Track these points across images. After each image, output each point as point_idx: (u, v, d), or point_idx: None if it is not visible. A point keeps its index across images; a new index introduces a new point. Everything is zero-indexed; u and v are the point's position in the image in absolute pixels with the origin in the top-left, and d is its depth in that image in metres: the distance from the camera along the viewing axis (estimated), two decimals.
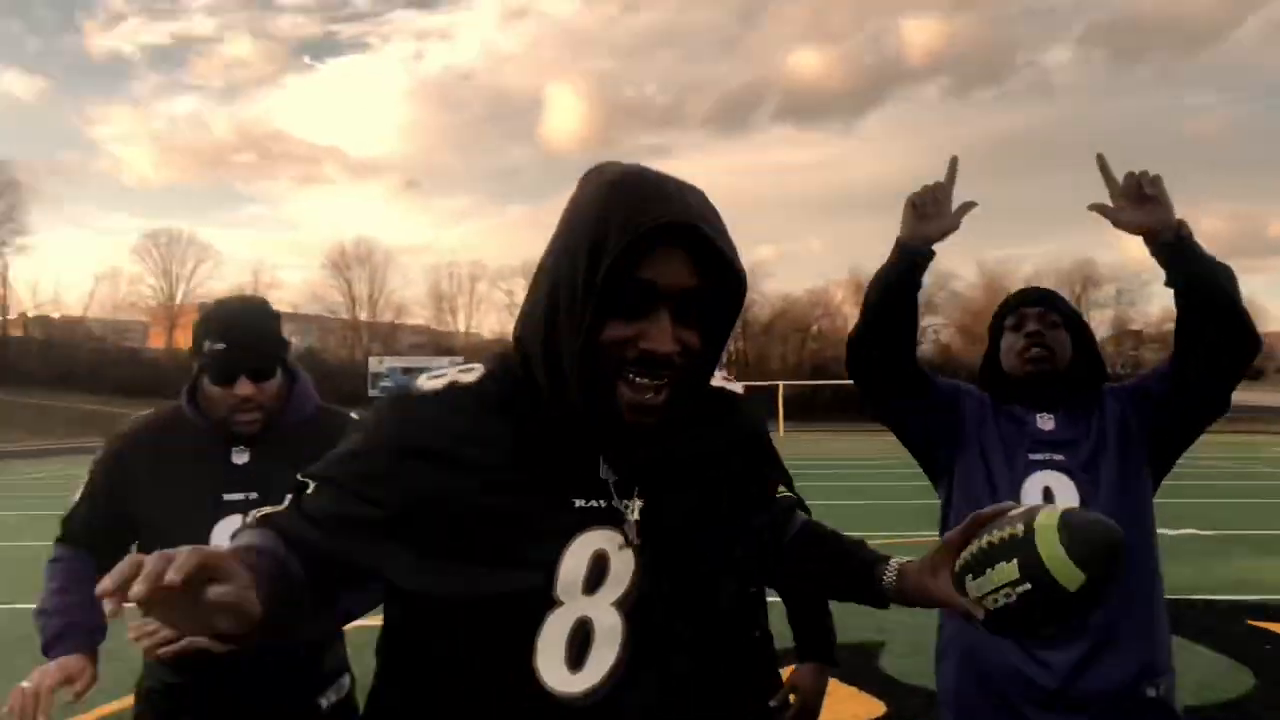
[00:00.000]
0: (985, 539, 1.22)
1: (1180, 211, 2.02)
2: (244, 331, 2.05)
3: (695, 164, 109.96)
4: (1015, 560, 1.17)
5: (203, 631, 0.91)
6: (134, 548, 2.09)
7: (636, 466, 1.17)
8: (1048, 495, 2.16)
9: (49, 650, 1.99)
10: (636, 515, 1.16)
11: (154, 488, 2.05)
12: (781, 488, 1.46)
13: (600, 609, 1.13)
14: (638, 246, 1.05)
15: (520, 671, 1.11)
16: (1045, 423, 2.23)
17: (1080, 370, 2.28)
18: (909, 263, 2.14)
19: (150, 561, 0.85)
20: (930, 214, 2.12)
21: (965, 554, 1.23)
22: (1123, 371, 59.25)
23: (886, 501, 13.46)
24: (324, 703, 2.14)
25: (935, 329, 68.31)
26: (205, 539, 1.99)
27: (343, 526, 1.13)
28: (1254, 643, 6.24)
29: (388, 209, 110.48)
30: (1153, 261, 2.09)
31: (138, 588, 0.83)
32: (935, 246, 2.15)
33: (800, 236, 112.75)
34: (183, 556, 0.86)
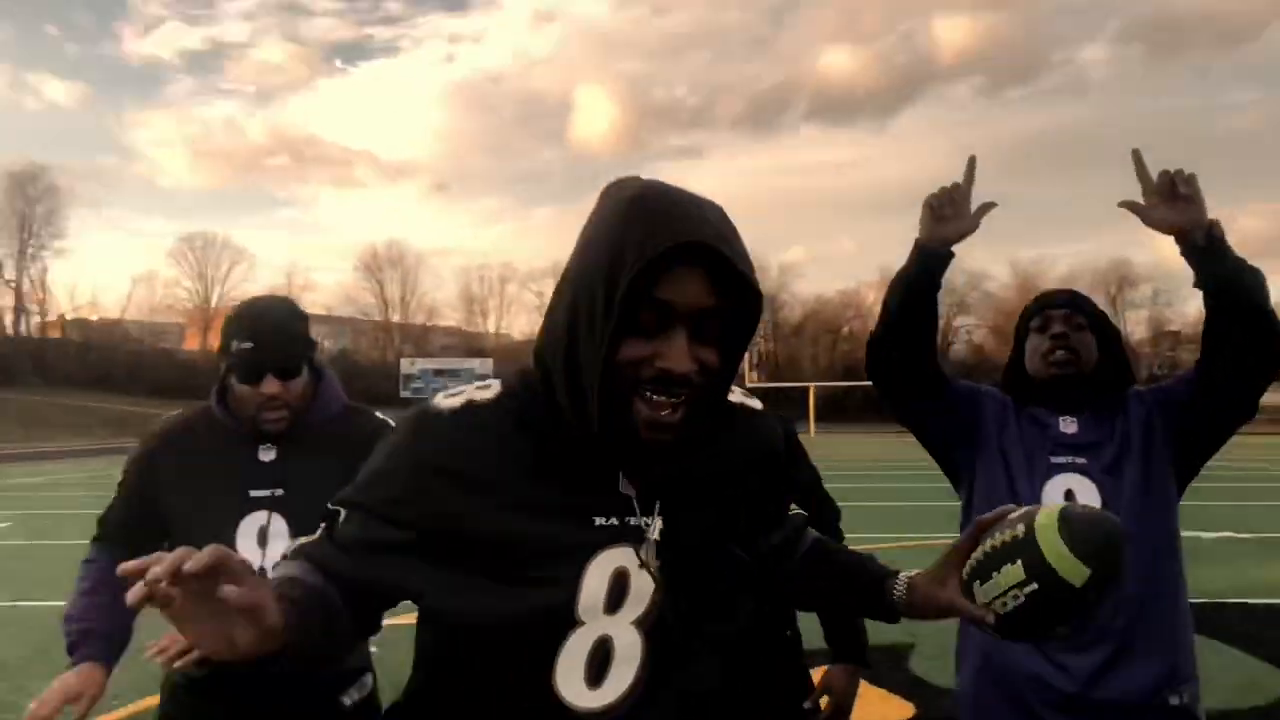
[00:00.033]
0: (988, 543, 1.22)
1: (1218, 210, 1.98)
2: (271, 331, 2.07)
3: (725, 165, 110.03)
4: (1020, 561, 1.18)
5: (221, 642, 0.91)
6: (166, 545, 2.12)
7: (655, 483, 1.17)
8: (1069, 498, 2.13)
9: (70, 654, 2.03)
10: (657, 534, 1.16)
11: (183, 485, 2.08)
12: (794, 506, 1.46)
13: (620, 627, 1.14)
14: (655, 266, 1.04)
15: (539, 688, 1.12)
16: (1068, 425, 2.21)
17: (1106, 373, 2.25)
18: (927, 265, 2.12)
19: (173, 555, 0.87)
20: (948, 215, 2.10)
21: (970, 560, 1.24)
22: (1159, 373, 58.64)
23: (918, 503, 13.35)
24: (347, 700, 2.16)
25: (968, 329, 67.95)
26: (232, 533, 2.03)
27: (372, 552, 1.14)
28: None
29: (419, 211, 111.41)
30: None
31: (156, 569, 0.85)
32: (957, 247, 2.13)
33: (831, 237, 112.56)
34: (202, 551, 0.88)
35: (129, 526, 2.14)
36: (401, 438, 1.18)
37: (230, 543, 2.01)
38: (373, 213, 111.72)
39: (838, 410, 52.95)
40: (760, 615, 1.42)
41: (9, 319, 66.02)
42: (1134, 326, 67.54)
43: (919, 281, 2.13)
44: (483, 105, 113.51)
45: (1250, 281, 2.00)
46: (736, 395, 1.34)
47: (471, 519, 1.12)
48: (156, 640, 1.84)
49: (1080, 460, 2.16)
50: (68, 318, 69.56)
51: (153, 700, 4.02)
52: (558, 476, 1.15)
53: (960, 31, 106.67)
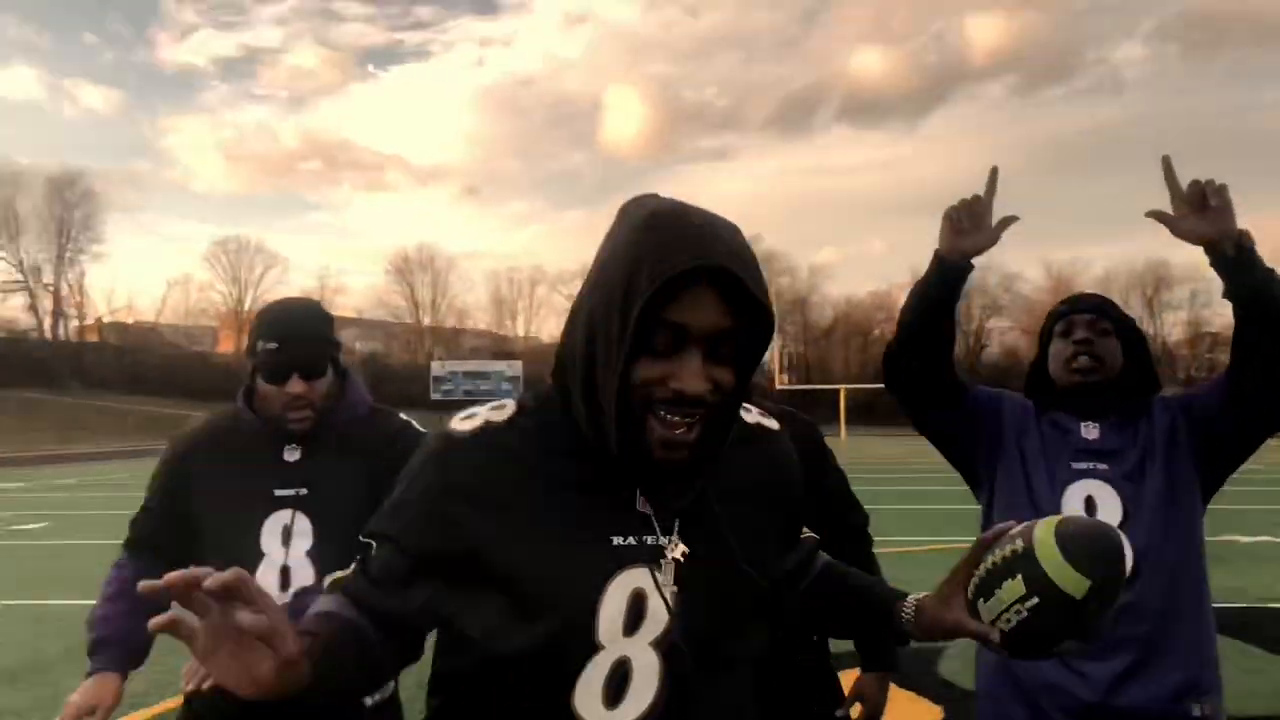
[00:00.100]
0: (989, 560, 1.23)
1: (1258, 212, 1.96)
2: (296, 331, 2.10)
3: (755, 167, 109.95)
4: (1020, 576, 1.18)
5: (243, 674, 0.92)
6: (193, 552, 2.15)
7: (672, 502, 1.17)
8: (1089, 505, 2.11)
9: (89, 658, 2.08)
10: (677, 554, 1.16)
11: (210, 486, 2.11)
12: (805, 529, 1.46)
13: (638, 648, 1.14)
14: (669, 288, 1.05)
15: (558, 710, 1.12)
16: (1090, 431, 2.17)
17: (1131, 379, 2.22)
18: (946, 277, 2.10)
19: (194, 570, 0.89)
20: (966, 228, 2.08)
21: (973, 579, 1.24)
22: (1196, 375, 57.98)
23: (950, 507, 13.25)
24: (368, 701, 2.17)
25: (1001, 331, 67.39)
26: (257, 532, 2.06)
27: (403, 583, 1.15)
28: None
29: (449, 215, 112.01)
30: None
31: (174, 575, 0.87)
32: (985, 254, 2.11)
33: (862, 238, 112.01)
34: (226, 573, 0.89)
35: (158, 533, 2.18)
36: (422, 465, 1.19)
37: (255, 540, 2.05)
38: (404, 216, 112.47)
39: (869, 412, 52.62)
40: (778, 633, 1.42)
41: (47, 323, 67.16)
42: (1171, 328, 66.90)
43: (937, 293, 2.12)
44: (513, 108, 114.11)
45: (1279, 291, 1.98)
46: (754, 415, 1.34)
47: (493, 542, 1.12)
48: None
49: (1102, 466, 2.13)
50: (104, 321, 70.63)
51: (174, 701, 4.08)
52: (576, 496, 1.15)
53: (993, 31, 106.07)
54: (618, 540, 1.15)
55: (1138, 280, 64.71)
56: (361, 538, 1.19)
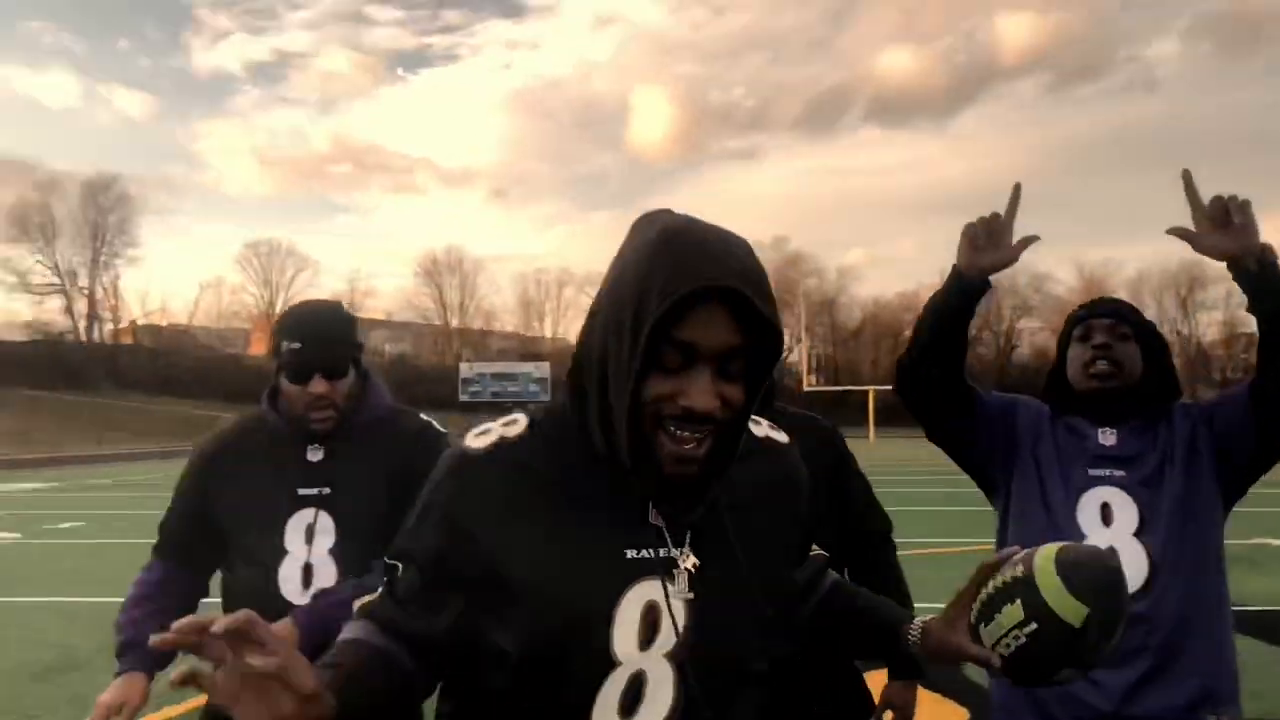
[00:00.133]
0: (991, 585, 1.23)
1: None
2: (318, 331, 2.13)
3: (783, 167, 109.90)
4: (1019, 601, 1.19)
5: (267, 716, 0.93)
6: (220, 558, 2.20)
7: (683, 515, 1.18)
8: (1105, 512, 2.08)
9: (117, 658, 2.11)
10: (689, 566, 1.17)
11: (235, 486, 2.15)
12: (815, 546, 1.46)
13: (653, 660, 1.14)
14: (680, 306, 1.06)
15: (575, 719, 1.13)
16: (1107, 437, 2.14)
17: (1150, 385, 2.18)
18: (962, 293, 2.09)
19: (202, 616, 0.90)
20: (983, 246, 2.06)
21: (975, 604, 1.25)
22: (1232, 376, 57.24)
23: (979, 509, 13.17)
24: None
25: (1031, 332, 66.91)
26: (281, 530, 2.09)
27: (427, 603, 1.16)
28: None
29: (478, 217, 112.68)
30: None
31: (181, 623, 0.89)
32: (998, 267, 2.07)
33: (891, 239, 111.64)
34: (230, 615, 0.91)
35: (185, 537, 2.22)
36: (438, 484, 1.20)
37: (280, 539, 2.08)
38: (432, 219, 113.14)
39: (898, 414, 52.28)
40: (797, 644, 1.42)
41: (82, 325, 68.14)
42: (1206, 328, 66.23)
43: (953, 307, 2.11)
44: (541, 110, 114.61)
45: None
46: (763, 428, 1.34)
47: (510, 559, 1.13)
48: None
49: (1119, 473, 2.10)
50: (138, 324, 71.59)
51: (199, 700, 4.17)
52: (590, 510, 1.16)
53: (1024, 29, 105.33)
54: (631, 553, 1.15)
55: (1171, 280, 64.23)
56: (386, 559, 1.21)
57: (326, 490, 2.11)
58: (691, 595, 1.16)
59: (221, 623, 0.89)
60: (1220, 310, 65.19)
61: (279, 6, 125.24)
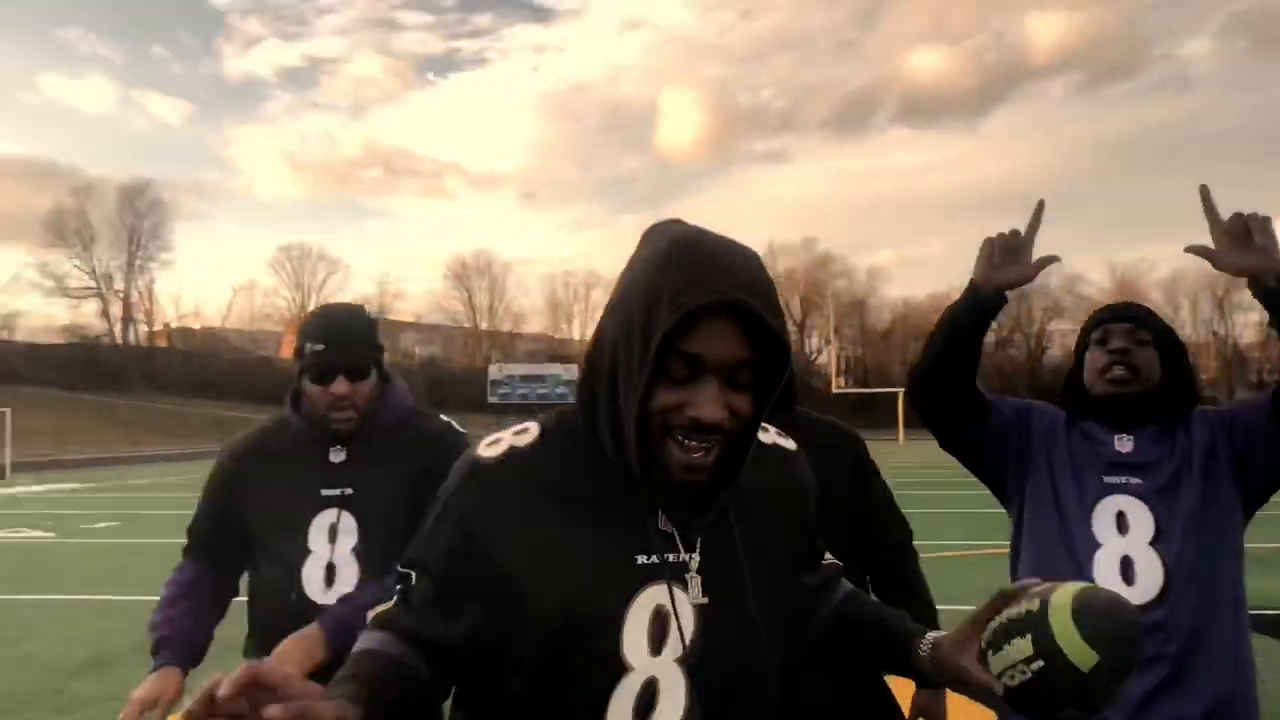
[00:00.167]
0: (1006, 615, 1.22)
1: None
2: (341, 334, 2.16)
3: (812, 168, 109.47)
4: (1029, 636, 1.17)
5: None
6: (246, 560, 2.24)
7: (693, 521, 1.19)
8: (1120, 520, 2.05)
9: (152, 656, 2.15)
10: (698, 570, 1.18)
11: (260, 488, 2.19)
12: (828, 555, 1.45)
13: (664, 666, 1.15)
14: (687, 321, 1.07)
15: None
16: (1123, 444, 2.12)
17: (1168, 391, 2.15)
18: (978, 307, 2.08)
19: (205, 684, 0.90)
20: (999, 262, 2.05)
21: (987, 630, 1.23)
22: (1269, 378, 56.29)
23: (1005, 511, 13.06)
24: None
25: (1063, 334, 66.13)
26: (305, 530, 2.12)
27: (442, 610, 1.16)
28: None
29: (506, 220, 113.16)
30: None
31: (190, 709, 0.88)
32: (1015, 283, 2.06)
33: (921, 240, 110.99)
34: (235, 672, 0.89)
35: (212, 539, 2.26)
36: (450, 492, 1.21)
37: (303, 539, 2.11)
38: (461, 222, 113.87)
39: None
40: (811, 648, 1.41)
41: (118, 328, 69.04)
42: (1243, 329, 65.17)
43: (968, 320, 2.10)
44: (569, 114, 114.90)
45: None
46: (770, 435, 1.35)
47: (523, 566, 1.14)
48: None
49: (1135, 481, 2.08)
50: (172, 327, 72.48)
51: None
52: (600, 516, 1.16)
53: (1055, 28, 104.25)
54: (641, 559, 1.16)
55: (1207, 281, 63.24)
56: (400, 567, 1.22)
57: (349, 491, 2.14)
58: (702, 601, 1.17)
59: (225, 686, 0.88)
60: (1258, 311, 62.97)
61: (310, 13, 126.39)
